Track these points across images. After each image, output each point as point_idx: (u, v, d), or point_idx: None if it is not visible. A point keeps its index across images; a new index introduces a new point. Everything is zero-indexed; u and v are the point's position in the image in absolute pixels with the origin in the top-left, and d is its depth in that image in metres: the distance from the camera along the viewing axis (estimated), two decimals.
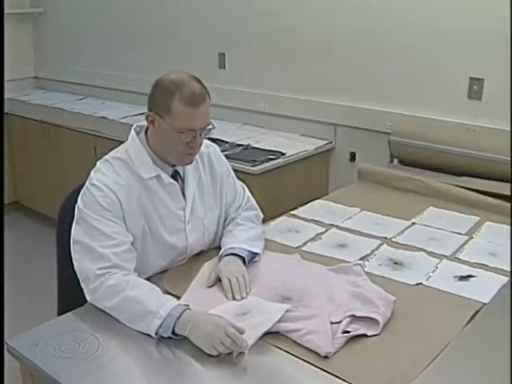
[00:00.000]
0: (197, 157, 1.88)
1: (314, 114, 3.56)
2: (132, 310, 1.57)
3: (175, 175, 1.87)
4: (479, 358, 1.47)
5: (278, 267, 1.87)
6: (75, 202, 1.78)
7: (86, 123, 4.05)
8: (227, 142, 3.38)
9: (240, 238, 1.93)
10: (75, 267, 1.71)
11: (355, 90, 3.38)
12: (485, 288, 1.79)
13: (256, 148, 3.37)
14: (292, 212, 2.45)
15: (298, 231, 2.25)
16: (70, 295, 1.80)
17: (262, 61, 3.77)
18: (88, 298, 1.66)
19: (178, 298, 1.68)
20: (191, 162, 1.84)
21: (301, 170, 3.34)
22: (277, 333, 1.53)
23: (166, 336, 1.52)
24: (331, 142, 3.56)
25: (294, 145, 3.46)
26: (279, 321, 1.54)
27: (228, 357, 1.45)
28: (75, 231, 1.73)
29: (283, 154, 3.28)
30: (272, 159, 3.18)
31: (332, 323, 1.56)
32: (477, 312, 1.66)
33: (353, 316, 1.59)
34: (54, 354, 1.47)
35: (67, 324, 1.61)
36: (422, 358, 1.45)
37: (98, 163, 1.82)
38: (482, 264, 1.96)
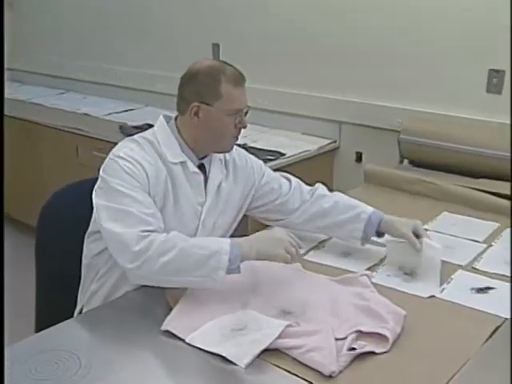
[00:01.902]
0: (222, 158, 2.00)
1: (317, 111, 3.57)
2: (194, 256, 1.68)
3: (200, 168, 1.94)
4: (500, 379, 1.46)
5: (277, 278, 1.87)
6: (55, 208, 1.79)
7: (67, 120, 4.05)
8: None
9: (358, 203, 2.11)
10: (107, 236, 1.73)
11: (362, 84, 3.39)
12: (505, 301, 1.78)
13: (253, 148, 3.36)
14: None
15: (300, 238, 2.24)
16: (50, 310, 1.80)
17: (260, 52, 3.77)
18: (130, 265, 1.68)
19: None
20: (234, 145, 1.96)
21: (302, 171, 3.31)
22: (276, 350, 1.53)
23: (235, 268, 1.69)
24: (335, 142, 3.56)
25: (294, 144, 3.46)
26: (279, 337, 1.54)
27: (224, 376, 1.45)
28: (101, 200, 1.77)
29: (283, 154, 3.28)
30: (270, 160, 3.17)
31: (337, 339, 1.55)
32: (497, 328, 1.65)
33: (359, 331, 1.58)
34: (30, 375, 1.45)
35: (46, 341, 1.60)
36: (436, 379, 1.44)
37: (123, 141, 1.89)
38: (502, 275, 1.96)
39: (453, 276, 1.95)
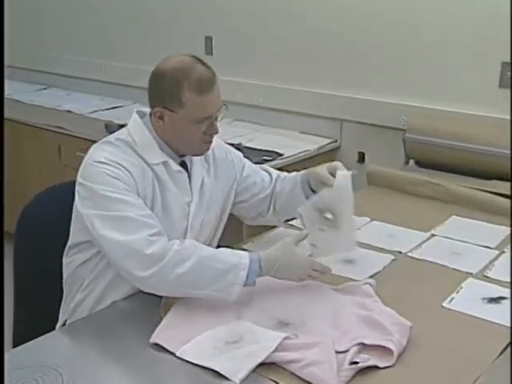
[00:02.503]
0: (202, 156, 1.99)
1: (317, 108, 3.57)
2: (211, 270, 1.69)
3: (183, 165, 1.94)
4: None
5: (273, 287, 1.86)
6: (36, 212, 1.78)
7: (49, 118, 4.04)
8: None
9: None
10: (108, 245, 1.71)
11: (364, 79, 3.39)
12: None
13: (248, 148, 3.36)
14: (290, 222, 2.44)
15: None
16: (29, 322, 1.79)
17: (256, 46, 3.77)
18: (143, 272, 1.67)
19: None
20: (208, 150, 1.94)
21: None
22: (273, 364, 1.52)
23: (251, 283, 1.72)
24: (336, 141, 3.56)
25: (292, 144, 3.46)
26: (276, 350, 1.53)
27: None
28: (90, 209, 1.74)
29: (280, 154, 3.28)
30: (267, 161, 3.17)
31: (337, 352, 1.55)
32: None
33: (362, 344, 1.58)
34: None
35: (25, 357, 1.59)
36: None
37: (97, 144, 1.87)
38: None
39: (462, 285, 1.95)
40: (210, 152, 2.02)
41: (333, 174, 1.94)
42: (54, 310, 1.96)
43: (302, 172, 2.10)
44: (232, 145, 3.32)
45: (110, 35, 4.54)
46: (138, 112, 1.94)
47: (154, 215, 1.80)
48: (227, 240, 2.25)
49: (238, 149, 3.29)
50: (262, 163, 3.10)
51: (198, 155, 1.95)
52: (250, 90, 3.82)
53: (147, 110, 1.91)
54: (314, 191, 2.03)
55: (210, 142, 1.91)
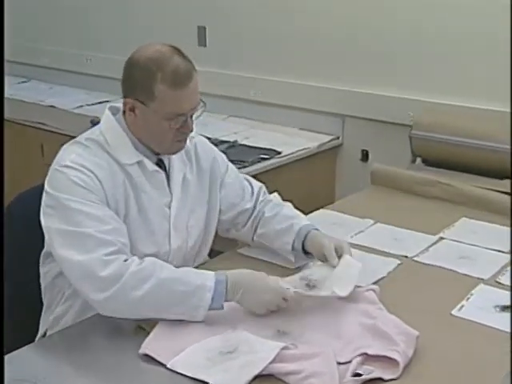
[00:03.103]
0: (182, 151, 1.95)
1: (317, 103, 3.57)
2: (173, 292, 1.68)
3: (159, 164, 1.92)
4: None
5: None
6: (17, 212, 1.78)
7: (30, 114, 4.04)
8: (209, 138, 3.34)
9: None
10: (65, 265, 1.72)
11: (368, 72, 3.39)
12: None
13: (244, 145, 3.37)
14: None
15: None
16: (5, 333, 1.79)
17: (252, 36, 3.78)
18: (98, 295, 1.66)
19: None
20: (182, 149, 1.91)
21: (300, 172, 3.34)
22: (271, 376, 1.52)
23: (218, 307, 1.69)
24: (338, 138, 3.57)
25: (291, 141, 3.47)
26: (274, 361, 1.53)
27: None
28: (52, 222, 1.74)
29: (278, 152, 3.28)
30: (264, 159, 3.18)
31: (339, 364, 1.55)
32: None
33: (365, 355, 1.58)
34: None
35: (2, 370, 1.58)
36: None
37: (66, 146, 1.86)
38: None
39: (473, 291, 1.95)
40: (191, 147, 2.01)
41: (337, 253, 1.92)
42: (34, 320, 1.95)
43: (303, 225, 2.05)
44: (227, 142, 3.37)
45: (97, 24, 4.53)
46: (111, 108, 1.92)
47: (122, 228, 1.77)
48: (221, 244, 2.25)
49: (233, 146, 3.33)
50: (258, 162, 3.13)
51: (170, 154, 1.92)
52: (246, 84, 3.82)
53: (121, 105, 1.89)
54: (305, 252, 2.02)
55: (184, 140, 1.88)
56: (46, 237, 1.78)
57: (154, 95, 1.75)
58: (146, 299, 1.66)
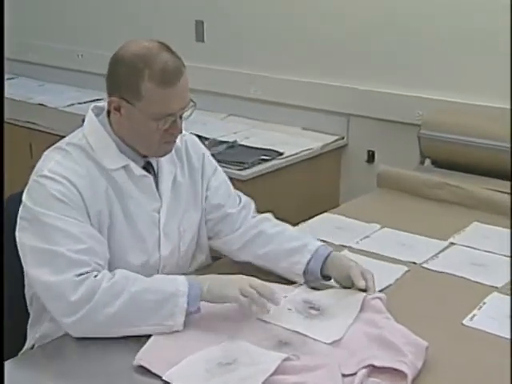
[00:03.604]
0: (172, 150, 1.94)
1: (320, 101, 3.58)
2: (147, 303, 1.68)
3: (147, 167, 1.91)
4: None
5: None
6: (8, 217, 1.78)
7: (19, 112, 4.04)
8: (207, 139, 3.38)
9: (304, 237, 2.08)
10: (36, 285, 1.72)
11: (374, 69, 3.40)
12: None
13: (244, 146, 3.37)
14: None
15: None
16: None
17: (252, 31, 3.78)
18: (67, 319, 1.66)
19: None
20: (170, 152, 1.90)
21: (303, 174, 3.35)
22: None
23: (194, 310, 1.72)
24: (343, 138, 3.57)
25: (294, 142, 3.47)
26: (275, 372, 1.53)
27: None
28: (26, 237, 1.74)
29: (280, 153, 3.28)
30: (265, 160, 3.18)
31: (344, 376, 1.55)
32: None
33: (371, 366, 1.58)
34: None
35: None
36: None
37: (47, 152, 1.85)
38: None
39: (485, 300, 1.95)
40: (181, 146, 2.00)
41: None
42: (21, 331, 1.95)
43: (321, 245, 2.02)
44: (226, 142, 3.37)
45: (89, 18, 4.54)
46: (94, 108, 1.91)
47: (99, 246, 1.76)
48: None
49: (232, 146, 3.33)
50: (259, 163, 3.13)
51: (157, 157, 1.91)
52: (245, 81, 3.82)
53: (105, 104, 1.88)
54: (324, 277, 1.98)
55: (172, 142, 1.87)
56: (20, 252, 1.76)
57: (141, 94, 1.74)
58: (118, 315, 1.67)
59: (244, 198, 2.16)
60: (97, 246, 1.75)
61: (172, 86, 1.74)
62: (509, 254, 2.25)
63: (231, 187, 2.15)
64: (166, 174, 1.94)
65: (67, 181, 1.75)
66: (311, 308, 1.85)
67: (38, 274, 1.70)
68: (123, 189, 1.85)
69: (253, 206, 2.17)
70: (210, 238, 2.12)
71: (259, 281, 1.77)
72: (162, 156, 1.90)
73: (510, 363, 1.58)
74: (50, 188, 1.73)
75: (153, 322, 1.69)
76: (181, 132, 1.85)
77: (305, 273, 1.99)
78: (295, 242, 2.03)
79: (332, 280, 1.99)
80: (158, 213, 1.92)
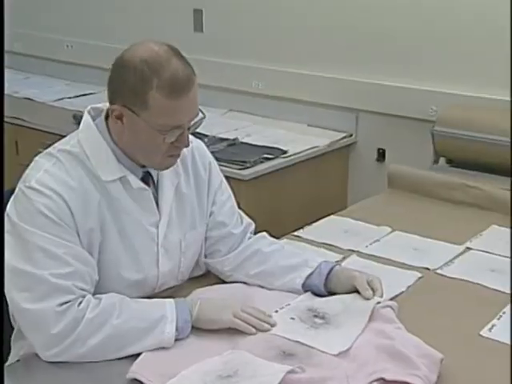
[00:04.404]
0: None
1: (327, 96, 3.58)
2: (132, 331, 1.69)
3: (146, 179, 1.89)
4: None
5: (275, 309, 1.88)
6: None
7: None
8: (206, 136, 3.37)
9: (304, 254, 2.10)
10: (15, 310, 1.72)
11: (385, 61, 3.40)
12: None
13: (246, 144, 3.37)
14: (296, 233, 2.45)
15: None
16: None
17: (254, 21, 3.78)
18: (47, 352, 1.66)
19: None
20: (173, 165, 1.88)
21: (308, 174, 3.35)
22: None
23: (185, 335, 1.75)
24: (351, 135, 3.57)
25: (299, 139, 3.48)
26: None
27: None
28: (8, 255, 1.71)
29: (284, 151, 3.29)
30: (268, 159, 3.18)
31: None
32: None
33: (382, 380, 1.58)
34: None
35: None
36: None
37: (38, 157, 1.82)
38: None
39: (505, 310, 1.95)
40: (187, 154, 1.98)
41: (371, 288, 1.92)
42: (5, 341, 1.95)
43: (323, 261, 2.02)
44: (226, 140, 3.37)
45: (80, 5, 4.54)
46: (91, 110, 1.88)
47: (83, 271, 1.73)
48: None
49: (233, 144, 3.33)
50: (261, 162, 3.13)
51: (159, 170, 1.89)
52: (247, 75, 3.83)
53: (104, 106, 1.85)
54: (329, 292, 1.97)
55: (177, 156, 1.85)
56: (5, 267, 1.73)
57: (148, 104, 1.70)
58: (102, 346, 1.67)
59: (246, 219, 2.15)
60: (82, 268, 1.73)
61: (182, 97, 1.71)
62: None
63: (235, 204, 2.14)
64: (166, 186, 1.92)
65: (56, 195, 1.72)
66: (316, 316, 1.85)
67: (17, 299, 1.68)
68: (118, 202, 1.82)
69: (253, 227, 2.16)
70: (204, 256, 2.11)
71: (251, 306, 1.83)
72: (163, 169, 1.88)
73: (510, 367, 1.59)
74: (37, 202, 1.71)
75: (138, 348, 1.69)
76: (187, 145, 1.82)
77: (303, 286, 1.99)
78: (294, 259, 2.04)
79: None
80: (157, 227, 1.90)
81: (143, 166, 1.87)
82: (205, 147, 2.10)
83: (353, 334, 1.75)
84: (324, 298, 1.94)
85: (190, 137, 1.89)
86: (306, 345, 1.72)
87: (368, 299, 1.86)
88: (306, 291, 1.98)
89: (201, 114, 1.81)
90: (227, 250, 2.07)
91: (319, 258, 2.06)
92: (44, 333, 1.65)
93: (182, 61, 1.74)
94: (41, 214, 1.70)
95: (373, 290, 1.89)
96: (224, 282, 2.07)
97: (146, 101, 1.70)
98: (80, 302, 1.68)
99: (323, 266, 1.99)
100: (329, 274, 1.97)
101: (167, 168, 1.87)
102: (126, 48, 1.77)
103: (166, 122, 1.72)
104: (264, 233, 2.15)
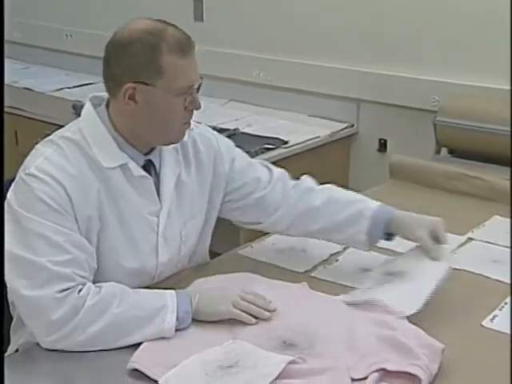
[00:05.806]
0: (177, 145, 1.94)
1: (329, 86, 3.58)
2: (133, 319, 1.70)
3: (148, 167, 1.90)
4: None
5: (277, 300, 1.87)
6: None
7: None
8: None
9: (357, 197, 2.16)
10: (14, 297, 1.73)
11: (386, 50, 3.39)
12: None
13: (247, 134, 3.37)
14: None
15: (304, 250, 2.26)
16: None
17: (255, 10, 3.78)
18: (47, 338, 1.67)
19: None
20: (185, 135, 1.91)
21: (309, 164, 3.33)
22: None
23: (187, 325, 1.75)
24: (352, 126, 3.57)
25: (299, 129, 3.48)
26: (279, 377, 1.53)
27: None
28: (8, 242, 1.72)
29: (285, 142, 3.29)
30: (269, 149, 3.18)
31: (353, 380, 1.55)
32: None
33: (383, 370, 1.58)
34: None
35: None
36: None
37: (39, 145, 1.83)
38: None
39: (507, 300, 1.95)
40: (188, 141, 1.99)
41: (437, 239, 1.98)
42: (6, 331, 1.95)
43: (382, 210, 2.07)
44: (226, 130, 3.36)
45: None
46: (93, 98, 1.90)
47: (82, 258, 1.74)
48: (221, 246, 2.25)
49: (233, 134, 3.33)
50: (262, 152, 3.13)
51: (175, 142, 1.91)
52: (248, 64, 3.82)
53: (105, 94, 1.87)
54: (389, 235, 2.05)
55: (189, 123, 1.89)
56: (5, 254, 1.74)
57: (162, 69, 1.75)
58: (102, 334, 1.68)
59: (275, 170, 2.17)
60: (82, 256, 1.74)
61: (190, 55, 1.79)
62: None
63: (257, 166, 2.16)
64: (168, 175, 1.93)
65: (56, 182, 1.73)
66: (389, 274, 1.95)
67: (16, 286, 1.69)
68: (117, 190, 1.83)
69: (286, 175, 2.18)
70: (248, 225, 2.19)
71: (250, 293, 1.83)
72: (177, 142, 1.91)
73: (510, 360, 1.59)
74: (37, 189, 1.72)
75: (138, 337, 1.70)
76: (200, 107, 1.86)
77: (368, 241, 2.07)
78: (349, 210, 2.08)
79: None
80: (157, 216, 1.91)
81: (146, 154, 1.88)
82: (209, 131, 2.12)
83: (426, 291, 1.84)
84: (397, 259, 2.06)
85: (192, 123, 1.93)
86: (375, 301, 1.83)
87: (433, 257, 1.95)
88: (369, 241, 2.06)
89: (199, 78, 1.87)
90: (267, 211, 2.11)
91: (373, 203, 2.09)
92: (44, 319, 1.66)
93: (174, 26, 1.82)
94: (40, 201, 1.71)
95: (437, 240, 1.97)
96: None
97: (159, 67, 1.75)
98: (80, 290, 1.69)
99: (381, 215, 2.05)
100: (388, 223, 2.04)
101: (181, 139, 1.91)
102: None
103: (181, 84, 1.78)
104: (308, 180, 2.21)
